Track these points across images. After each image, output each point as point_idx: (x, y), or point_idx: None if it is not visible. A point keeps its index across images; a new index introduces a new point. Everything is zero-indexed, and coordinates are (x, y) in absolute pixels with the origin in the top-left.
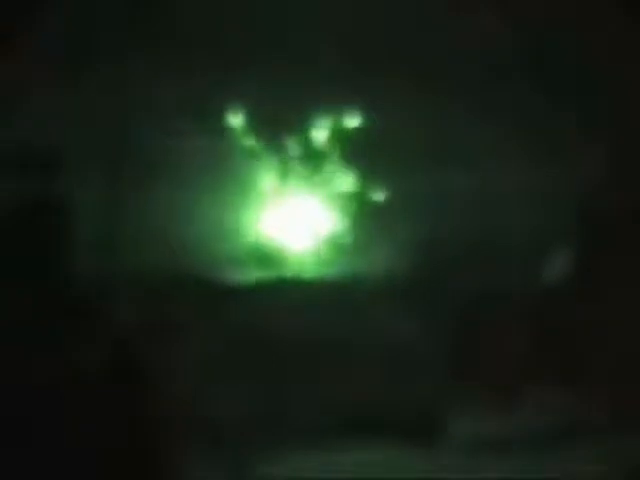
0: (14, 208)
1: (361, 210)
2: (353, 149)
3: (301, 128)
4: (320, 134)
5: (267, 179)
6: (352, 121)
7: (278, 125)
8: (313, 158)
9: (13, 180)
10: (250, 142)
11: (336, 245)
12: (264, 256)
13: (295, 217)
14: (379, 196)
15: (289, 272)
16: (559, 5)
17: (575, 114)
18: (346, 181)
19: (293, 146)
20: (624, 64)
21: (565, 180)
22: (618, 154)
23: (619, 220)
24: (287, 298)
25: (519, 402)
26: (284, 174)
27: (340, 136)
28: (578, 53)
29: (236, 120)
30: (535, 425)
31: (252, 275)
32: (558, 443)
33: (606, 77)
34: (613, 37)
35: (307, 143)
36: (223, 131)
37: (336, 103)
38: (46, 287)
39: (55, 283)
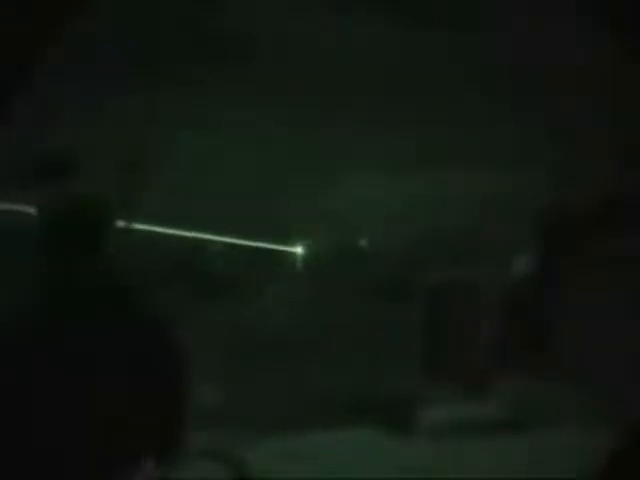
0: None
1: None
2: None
3: None
4: None
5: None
6: None
7: None
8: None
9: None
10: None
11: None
12: (259, 252)
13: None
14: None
15: (276, 268)
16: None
17: (536, 123)
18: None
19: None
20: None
21: (528, 183)
22: (576, 158)
23: (576, 219)
24: (273, 292)
25: (489, 390)
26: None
27: None
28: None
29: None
30: (504, 413)
31: (243, 271)
32: (527, 430)
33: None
34: (567, 51)
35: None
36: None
37: None
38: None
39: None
